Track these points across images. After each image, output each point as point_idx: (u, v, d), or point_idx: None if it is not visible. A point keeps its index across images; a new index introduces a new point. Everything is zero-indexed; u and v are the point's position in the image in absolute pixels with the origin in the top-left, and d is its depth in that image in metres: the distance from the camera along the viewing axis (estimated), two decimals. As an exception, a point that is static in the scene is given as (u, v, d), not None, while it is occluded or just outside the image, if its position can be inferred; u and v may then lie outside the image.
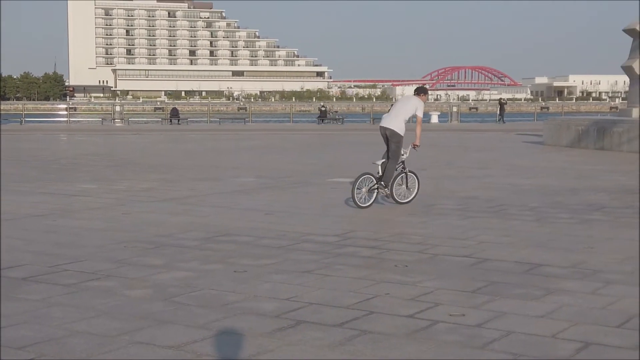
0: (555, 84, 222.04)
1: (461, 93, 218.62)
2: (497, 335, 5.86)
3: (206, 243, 9.57)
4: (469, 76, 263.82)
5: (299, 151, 27.24)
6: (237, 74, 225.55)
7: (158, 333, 5.87)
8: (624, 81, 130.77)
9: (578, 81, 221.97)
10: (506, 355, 5.41)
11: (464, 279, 7.67)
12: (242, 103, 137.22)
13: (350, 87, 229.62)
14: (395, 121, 12.99)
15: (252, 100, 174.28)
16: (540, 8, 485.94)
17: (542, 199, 13.63)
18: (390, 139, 13.00)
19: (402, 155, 13.18)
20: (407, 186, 13.19)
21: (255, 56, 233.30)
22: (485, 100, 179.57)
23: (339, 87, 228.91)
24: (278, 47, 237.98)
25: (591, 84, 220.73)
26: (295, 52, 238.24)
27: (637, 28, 28.88)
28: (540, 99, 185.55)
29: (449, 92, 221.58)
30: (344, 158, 23.94)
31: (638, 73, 28.82)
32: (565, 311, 6.52)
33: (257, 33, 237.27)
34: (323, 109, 62.05)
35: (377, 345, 5.62)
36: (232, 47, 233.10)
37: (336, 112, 71.51)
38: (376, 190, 12.71)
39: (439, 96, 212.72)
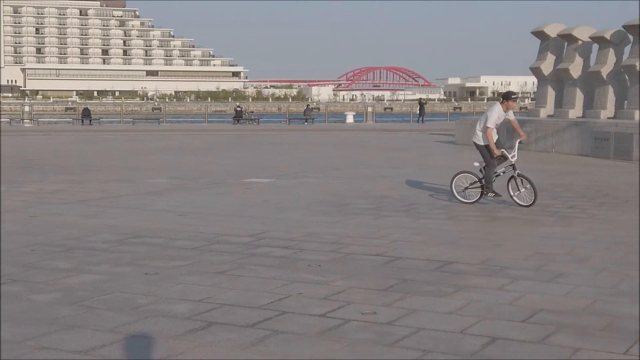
0: (468, 84, 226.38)
1: (376, 93, 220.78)
2: (408, 332, 5.94)
3: (117, 245, 9.41)
4: (384, 77, 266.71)
5: (214, 152, 27.06)
6: (152, 73, 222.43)
7: (66, 338, 5.75)
8: (533, 82, 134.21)
9: (489, 82, 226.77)
10: (415, 352, 5.49)
11: (376, 278, 7.75)
12: (156, 103, 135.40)
13: (266, 88, 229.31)
14: (474, 133, 13.45)
15: (167, 100, 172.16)
16: (452, 10, 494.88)
17: (454, 198, 13.87)
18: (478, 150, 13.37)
19: (498, 160, 13.12)
20: (522, 190, 12.77)
21: (170, 56, 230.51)
22: (400, 100, 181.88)
23: (255, 88, 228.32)
24: (193, 46, 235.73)
25: (502, 84, 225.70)
26: (211, 52, 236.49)
27: (545, 30, 29.70)
28: (453, 99, 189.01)
29: (365, 92, 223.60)
30: (260, 158, 23.89)
31: (545, 74, 29.64)
32: (474, 307, 6.66)
33: (171, 32, 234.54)
34: (239, 109, 61.75)
35: (289, 345, 5.63)
36: (146, 46, 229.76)
37: (252, 112, 71.32)
38: (480, 190, 13.05)
39: (354, 96, 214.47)
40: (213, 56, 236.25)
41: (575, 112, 27.86)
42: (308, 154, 25.90)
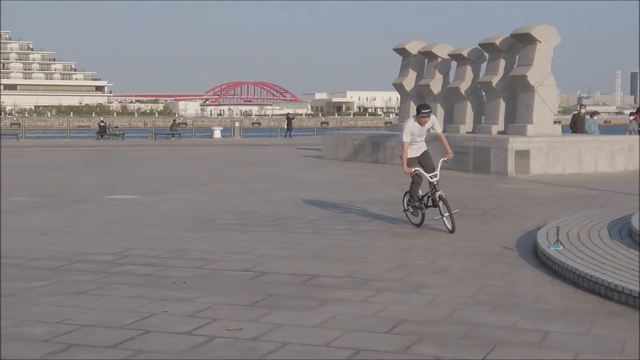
0: (334, 99, 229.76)
1: (244, 108, 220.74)
2: (274, 347, 5.94)
3: (-29, 267, 8.98)
4: (252, 92, 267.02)
5: (77, 168, 26.30)
6: (9, 87, 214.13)
7: None
8: (397, 97, 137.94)
9: (355, 97, 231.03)
10: (281, 367, 5.50)
11: (243, 293, 7.72)
12: (15, 118, 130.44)
13: (131, 102, 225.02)
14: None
15: (27, 115, 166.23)
16: (319, 26, 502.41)
17: (320, 212, 14.03)
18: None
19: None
20: (445, 214, 11.63)
21: (29, 69, 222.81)
22: (268, 115, 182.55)
23: (119, 102, 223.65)
24: (54, 60, 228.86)
25: (367, 99, 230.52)
26: (73, 66, 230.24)
27: (406, 47, 30.53)
28: (320, 114, 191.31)
29: (232, 107, 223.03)
30: (125, 175, 23.39)
31: (407, 90, 30.46)
32: (339, 320, 6.74)
33: (30, 45, 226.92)
34: (103, 124, 60.37)
35: (152, 365, 5.52)
36: (4, 59, 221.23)
37: (116, 127, 69.92)
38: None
39: (222, 111, 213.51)
40: (75, 70, 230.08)
41: (436, 126, 28.72)
42: (175, 169, 25.58)
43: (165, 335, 6.25)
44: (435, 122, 11.78)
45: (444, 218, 11.56)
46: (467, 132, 26.65)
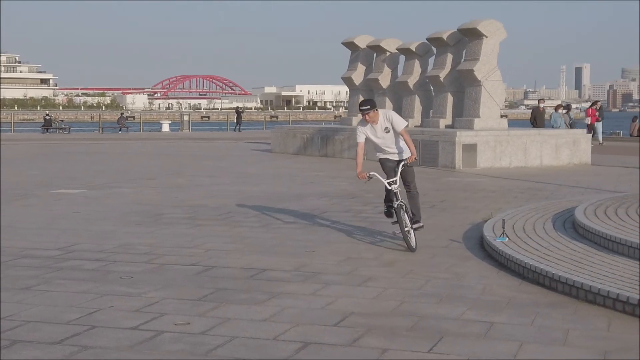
0: (284, 93, 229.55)
1: (193, 102, 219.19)
2: (221, 341, 5.93)
3: None
4: (201, 85, 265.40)
5: (22, 162, 25.84)
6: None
7: None
8: (346, 91, 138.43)
9: (305, 91, 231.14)
10: (229, 361, 5.49)
11: (191, 288, 7.68)
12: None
13: (77, 95, 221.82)
14: None
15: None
16: (266, 22, 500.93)
17: (269, 206, 14.00)
18: None
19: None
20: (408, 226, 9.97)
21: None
22: (217, 109, 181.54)
23: (65, 95, 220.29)
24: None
25: (317, 93, 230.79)
26: (17, 58, 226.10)
27: (355, 41, 30.62)
28: (269, 107, 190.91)
29: (181, 101, 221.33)
30: (70, 169, 23.06)
31: (356, 84, 30.56)
32: (287, 313, 6.74)
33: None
34: (48, 117, 59.39)
35: (98, 361, 5.46)
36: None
37: (62, 121, 68.73)
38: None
39: (170, 105, 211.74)
40: (19, 62, 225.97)
41: (385, 120, 28.88)
42: (122, 163, 25.30)
43: (111, 330, 6.19)
44: (393, 117, 9.99)
45: (405, 233, 9.73)
46: (416, 126, 26.83)
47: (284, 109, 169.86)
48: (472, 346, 5.87)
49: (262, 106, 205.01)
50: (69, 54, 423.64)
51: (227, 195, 15.73)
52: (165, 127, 60.64)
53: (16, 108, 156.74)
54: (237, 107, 70.13)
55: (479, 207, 13.78)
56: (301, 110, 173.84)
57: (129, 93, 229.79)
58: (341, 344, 5.89)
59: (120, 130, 57.44)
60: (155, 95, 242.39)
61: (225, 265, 8.81)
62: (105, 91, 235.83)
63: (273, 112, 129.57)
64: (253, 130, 62.19)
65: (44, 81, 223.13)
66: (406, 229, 9.76)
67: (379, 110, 9.99)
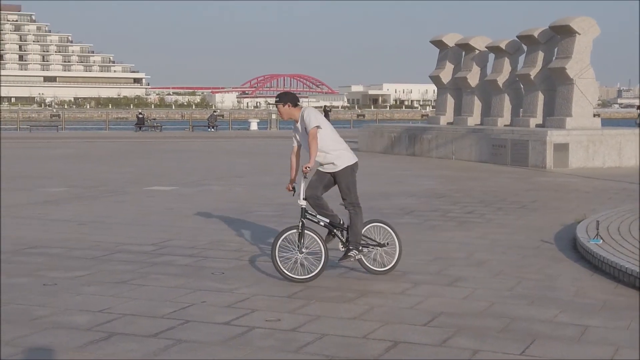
0: (371, 92, 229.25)
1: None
2: (312, 338, 5.97)
3: (13, 256, 9.13)
4: (288, 84, 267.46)
5: (116, 159, 26.58)
6: (49, 79, 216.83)
7: (-41, 353, 5.55)
8: (434, 90, 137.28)
9: (392, 90, 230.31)
10: (319, 357, 5.53)
11: (280, 285, 7.76)
12: (55, 110, 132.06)
13: (169, 94, 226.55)
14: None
15: (66, 107, 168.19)
16: (356, 17, 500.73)
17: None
18: None
19: None
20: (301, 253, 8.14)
21: (69, 61, 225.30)
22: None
23: (157, 94, 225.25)
24: (93, 52, 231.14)
25: (404, 92, 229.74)
26: (111, 58, 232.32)
27: (443, 40, 30.37)
28: (356, 106, 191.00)
29: (269, 100, 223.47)
30: (162, 166, 23.59)
31: (444, 82, 30.31)
32: (376, 312, 6.75)
33: (70, 37, 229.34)
34: (140, 116, 60.88)
35: (192, 354, 5.58)
36: (44, 51, 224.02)
37: (154, 119, 70.39)
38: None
39: (258, 103, 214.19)
40: (114, 62, 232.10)
41: (473, 119, 28.58)
42: (211, 161, 25.73)
43: (204, 325, 6.31)
44: (304, 114, 8.24)
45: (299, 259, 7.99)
46: (505, 125, 26.45)
47: (371, 108, 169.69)
48: (565, 350, 5.76)
49: (348, 105, 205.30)
50: (161, 54, 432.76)
51: (315, 193, 15.79)
52: (254, 126, 61.38)
53: (110, 107, 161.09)
54: (325, 106, 70.47)
55: (571, 207, 13.49)
56: (388, 109, 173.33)
57: (218, 92, 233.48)
58: (431, 344, 5.87)
59: (209, 128, 58.40)
60: (244, 94, 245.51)
61: (314, 263, 8.84)
62: (196, 90, 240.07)
63: (360, 111, 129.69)
64: (340, 129, 62.26)
65: (137, 80, 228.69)
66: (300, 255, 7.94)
67: (299, 106, 8.36)
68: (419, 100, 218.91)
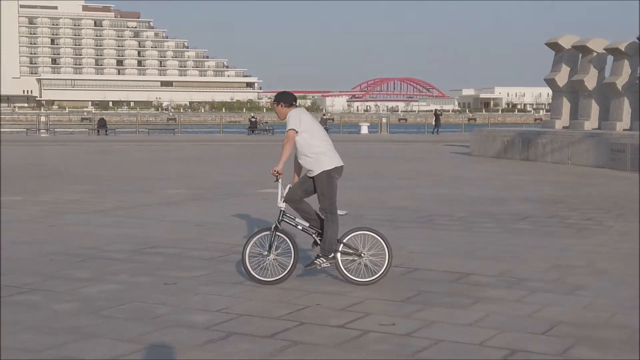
0: (482, 95, 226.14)
1: (390, 104, 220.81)
2: (427, 343, 5.93)
3: (135, 255, 9.45)
4: (398, 87, 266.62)
5: (230, 162, 27.12)
6: (166, 84, 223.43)
7: (86, 347, 5.78)
8: (547, 93, 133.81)
9: (504, 93, 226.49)
10: (435, 364, 5.49)
11: (394, 289, 7.74)
12: (171, 114, 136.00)
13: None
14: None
15: (182, 110, 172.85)
16: (467, 21, 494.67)
17: (470, 209, 13.85)
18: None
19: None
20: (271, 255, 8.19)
21: (185, 66, 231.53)
22: (414, 111, 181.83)
23: (269, 98, 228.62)
24: (207, 57, 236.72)
25: (516, 95, 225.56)
26: (225, 63, 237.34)
27: (559, 42, 29.64)
28: (467, 110, 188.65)
29: (379, 103, 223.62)
30: (274, 169, 23.90)
31: (560, 85, 29.57)
32: (492, 319, 6.64)
33: (185, 43, 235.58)
34: (253, 119, 61.95)
35: (307, 356, 5.63)
36: (161, 57, 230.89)
37: (266, 122, 71.49)
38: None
39: (368, 107, 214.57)
40: (227, 67, 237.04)
41: (590, 123, 27.77)
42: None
43: (319, 327, 6.36)
44: (288, 116, 8.19)
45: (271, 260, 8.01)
46: (624, 130, 25.58)
47: (482, 112, 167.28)
48: (693, 364, 5.52)
49: (459, 108, 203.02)
50: (273, 58, 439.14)
51: (426, 198, 15.72)
52: (364, 129, 61.52)
53: (224, 110, 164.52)
54: (436, 110, 69.87)
55: (697, 216, 12.92)
56: (500, 112, 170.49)
57: (328, 96, 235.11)
58: (550, 353, 5.73)
59: (320, 132, 58.77)
60: (354, 97, 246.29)
61: (428, 267, 8.80)
62: (306, 94, 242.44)
63: (471, 115, 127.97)
64: (451, 133, 61.68)
65: (249, 85, 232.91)
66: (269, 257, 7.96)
67: (294, 106, 8.27)
68: (532, 104, 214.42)
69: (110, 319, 6.55)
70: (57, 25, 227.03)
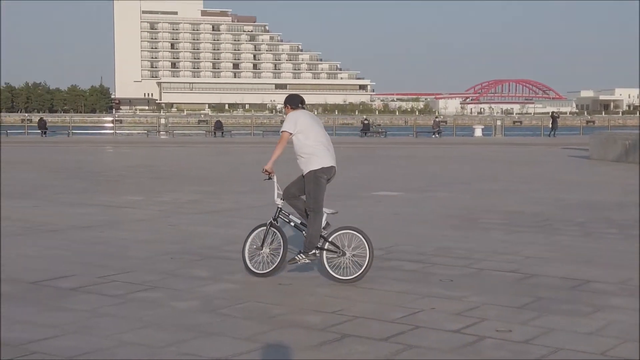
0: (601, 97, 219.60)
1: (505, 107, 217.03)
2: (545, 351, 5.80)
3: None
4: (513, 89, 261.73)
5: (342, 164, 27.23)
6: (280, 86, 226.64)
7: (205, 345, 5.92)
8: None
9: (624, 95, 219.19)
10: (554, 372, 5.36)
11: (511, 295, 7.60)
12: (284, 116, 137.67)
13: (392, 101, 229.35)
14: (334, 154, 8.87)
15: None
16: (585, 18, 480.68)
17: (589, 214, 13.46)
18: (330, 180, 8.71)
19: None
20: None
21: (298, 69, 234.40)
22: (530, 114, 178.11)
23: (381, 100, 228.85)
24: (321, 60, 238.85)
25: (638, 97, 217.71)
26: (338, 65, 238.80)
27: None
28: (585, 112, 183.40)
29: (493, 106, 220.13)
30: (388, 171, 23.89)
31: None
32: (615, 328, 6.43)
33: (300, 46, 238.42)
34: (366, 122, 62.08)
35: (423, 360, 5.59)
36: (275, 60, 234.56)
37: (379, 125, 71.55)
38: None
39: (482, 109, 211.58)
40: (340, 69, 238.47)
41: None
42: (437, 167, 25.72)
43: (434, 331, 6.31)
44: (286, 118, 8.78)
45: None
46: None
47: (602, 114, 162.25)
48: None
49: (577, 111, 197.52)
50: (385, 60, 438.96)
51: (543, 202, 15.36)
52: (478, 132, 60.71)
53: (336, 113, 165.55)
54: (553, 112, 68.23)
55: None
56: (620, 115, 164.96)
57: (441, 98, 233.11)
58: (677, 366, 5.50)
59: (434, 134, 58.41)
60: (468, 99, 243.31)
61: (545, 273, 8.60)
62: (419, 96, 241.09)
63: (589, 117, 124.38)
64: (568, 136, 60.11)
65: (362, 87, 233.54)
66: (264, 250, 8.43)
67: (300, 108, 8.69)
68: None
69: (228, 318, 6.69)
70: (177, 30, 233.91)
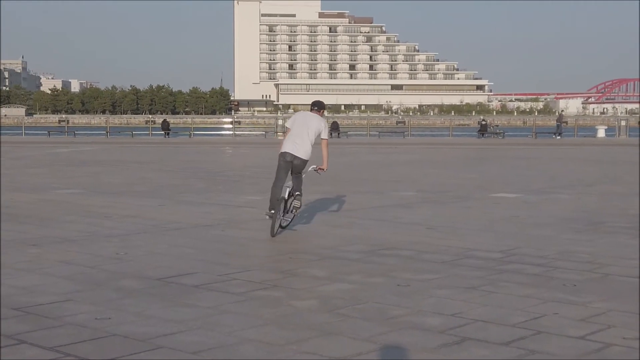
0: None
1: (630, 106, 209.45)
2: (676, 361, 5.56)
3: (369, 256, 9.63)
4: (638, 89, 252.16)
5: (460, 165, 26.95)
6: (396, 87, 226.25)
7: (324, 344, 5.97)
8: None
9: None
10: (686, 384, 5.13)
11: (638, 302, 7.33)
12: (400, 117, 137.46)
13: (511, 101, 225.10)
14: (304, 147, 11.38)
15: (411, 114, 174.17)
16: None
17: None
18: (296, 168, 11.44)
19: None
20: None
21: (415, 70, 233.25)
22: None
23: (499, 101, 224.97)
24: (437, 60, 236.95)
25: None
26: (455, 66, 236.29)
27: None
28: None
29: (616, 106, 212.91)
30: (506, 173, 23.47)
31: None
32: None
33: (416, 47, 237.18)
34: (483, 122, 61.17)
35: (546, 366, 5.47)
36: (392, 61, 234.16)
37: (497, 126, 70.52)
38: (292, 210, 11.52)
39: (605, 109, 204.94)
40: (457, 70, 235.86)
41: None
42: (557, 168, 25.08)
43: (557, 337, 6.15)
44: None
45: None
46: None
47: None
48: None
49: None
50: (504, 60, 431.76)
51: (673, 205, 14.74)
52: (601, 133, 58.88)
53: (453, 113, 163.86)
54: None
55: None
56: None
57: (562, 98, 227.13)
58: None
59: (554, 135, 57.03)
60: (589, 99, 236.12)
61: (676, 280, 8.25)
62: (538, 96, 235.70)
63: None
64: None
65: (479, 87, 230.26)
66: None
67: (321, 112, 11.74)
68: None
69: (347, 318, 6.72)
70: (294, 32, 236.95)
